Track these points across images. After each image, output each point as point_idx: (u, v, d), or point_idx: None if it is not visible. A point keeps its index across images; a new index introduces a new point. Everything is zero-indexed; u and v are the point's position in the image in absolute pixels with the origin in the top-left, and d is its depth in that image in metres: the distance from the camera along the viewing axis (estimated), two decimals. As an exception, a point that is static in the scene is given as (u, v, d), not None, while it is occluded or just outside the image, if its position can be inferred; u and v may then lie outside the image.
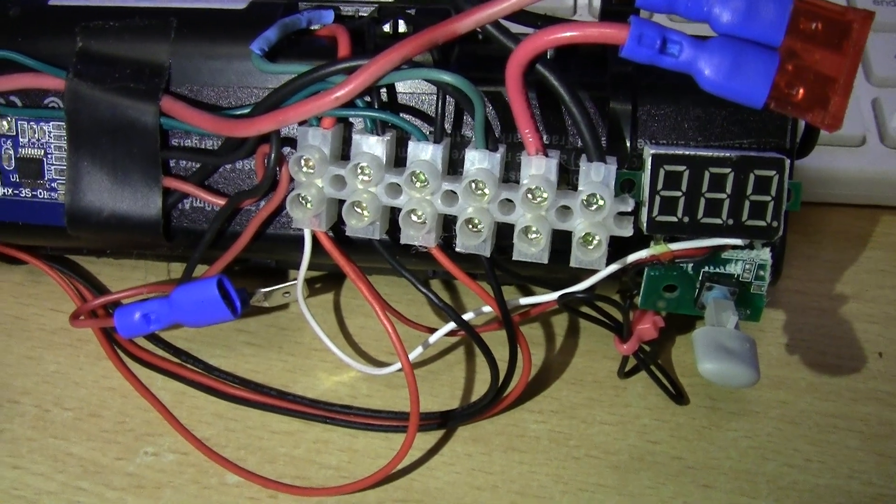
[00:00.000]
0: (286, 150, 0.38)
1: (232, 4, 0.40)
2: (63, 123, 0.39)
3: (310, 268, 0.39)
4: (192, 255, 0.39)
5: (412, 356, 0.39)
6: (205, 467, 0.40)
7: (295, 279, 0.40)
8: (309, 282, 0.45)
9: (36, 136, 0.40)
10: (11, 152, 0.40)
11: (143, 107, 0.38)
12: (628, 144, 0.37)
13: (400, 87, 0.38)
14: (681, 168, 0.35)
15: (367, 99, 0.35)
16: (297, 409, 0.41)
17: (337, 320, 0.44)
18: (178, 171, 0.40)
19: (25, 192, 0.40)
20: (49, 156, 0.40)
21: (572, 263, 0.35)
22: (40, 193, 0.40)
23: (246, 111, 0.37)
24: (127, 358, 0.43)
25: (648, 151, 0.35)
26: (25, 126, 0.40)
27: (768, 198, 0.35)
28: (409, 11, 0.38)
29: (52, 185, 0.40)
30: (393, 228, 0.37)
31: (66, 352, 0.43)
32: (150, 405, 0.41)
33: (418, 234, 0.36)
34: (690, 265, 0.37)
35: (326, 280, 0.46)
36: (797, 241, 0.47)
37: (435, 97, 0.36)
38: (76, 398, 0.42)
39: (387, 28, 0.39)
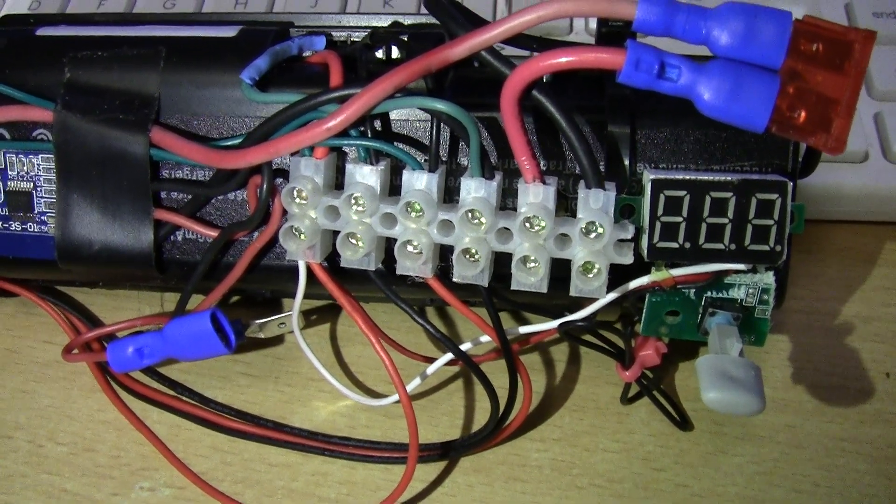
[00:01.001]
0: (279, 180, 0.37)
1: (222, 32, 0.39)
2: (52, 156, 0.38)
3: (305, 298, 0.39)
4: (185, 287, 0.39)
5: (410, 387, 0.38)
6: (201, 502, 0.39)
7: (290, 309, 0.39)
8: (305, 312, 0.45)
9: (25, 168, 0.39)
10: (0, 186, 0.39)
11: (133, 138, 0.37)
12: (627, 169, 0.36)
13: (394, 114, 0.37)
14: (681, 193, 0.34)
15: (361, 128, 0.35)
16: (295, 440, 0.40)
17: (334, 350, 0.44)
18: (170, 202, 0.39)
19: (15, 226, 0.40)
20: (38, 189, 0.39)
21: (572, 293, 0.35)
22: (30, 227, 0.40)
23: (237, 142, 0.37)
24: (121, 391, 0.42)
25: (648, 176, 0.34)
26: (14, 159, 0.39)
27: (771, 221, 0.34)
28: (402, 37, 0.37)
29: (42, 218, 0.39)
30: (389, 258, 0.36)
31: (59, 385, 0.43)
32: (146, 439, 0.41)
33: (414, 265, 0.35)
34: (693, 290, 0.37)
35: (323, 310, 0.45)
36: (801, 260, 0.46)
37: (429, 124, 0.35)
38: (70, 432, 0.41)
39: (379, 54, 0.38)
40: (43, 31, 0.40)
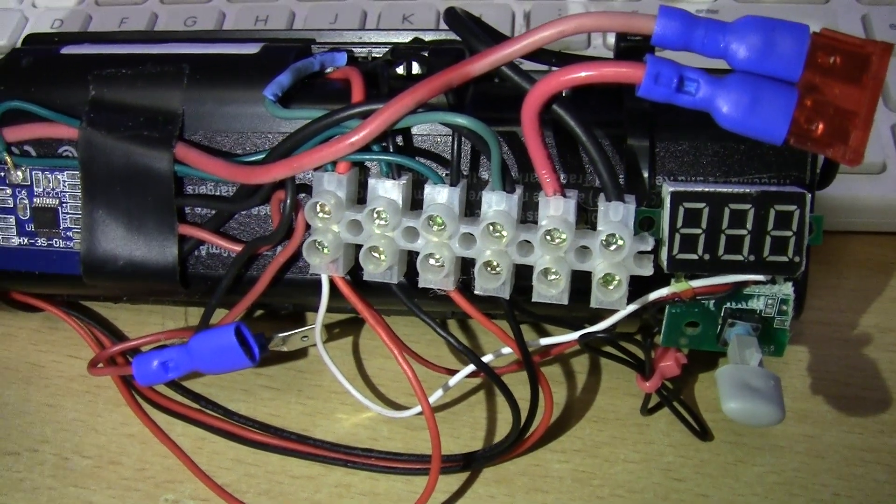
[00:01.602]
0: (302, 195, 0.38)
1: (244, 49, 0.40)
2: (77, 172, 0.39)
3: (328, 311, 0.39)
4: (209, 301, 0.39)
5: (433, 399, 0.38)
6: (226, 514, 0.39)
7: (313, 323, 0.39)
8: (327, 325, 0.45)
9: (50, 185, 0.40)
10: (26, 202, 0.40)
11: (157, 154, 0.37)
12: (647, 182, 0.36)
13: (415, 129, 0.37)
14: (700, 205, 0.34)
15: (383, 143, 0.35)
16: (318, 452, 0.41)
17: (356, 362, 0.44)
18: (194, 217, 0.39)
19: (41, 242, 0.40)
20: (64, 205, 0.40)
21: (593, 304, 0.35)
22: (56, 243, 0.40)
23: (260, 157, 0.37)
24: (146, 404, 0.42)
25: (667, 189, 0.35)
26: (40, 176, 0.40)
27: (790, 233, 0.34)
28: (422, 53, 0.38)
29: (68, 234, 0.40)
30: (411, 271, 0.37)
31: (84, 399, 0.43)
32: (170, 451, 0.41)
33: (436, 278, 0.36)
34: (712, 301, 0.37)
35: (345, 323, 0.45)
36: (819, 271, 0.46)
37: (450, 138, 0.36)
38: (96, 446, 0.42)
39: (400, 70, 0.38)
40: (67, 50, 0.41)
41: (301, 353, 0.44)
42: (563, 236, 0.34)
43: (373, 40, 0.42)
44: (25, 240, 0.40)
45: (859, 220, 0.47)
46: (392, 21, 0.55)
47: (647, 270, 0.35)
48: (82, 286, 0.40)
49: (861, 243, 0.48)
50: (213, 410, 0.42)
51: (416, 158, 0.35)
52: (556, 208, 0.34)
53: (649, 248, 0.35)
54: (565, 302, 0.35)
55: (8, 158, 0.39)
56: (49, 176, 0.40)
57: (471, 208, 0.37)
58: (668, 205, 0.34)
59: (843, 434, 0.40)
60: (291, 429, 0.42)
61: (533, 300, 0.35)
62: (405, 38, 0.41)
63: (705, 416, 0.41)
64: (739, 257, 0.35)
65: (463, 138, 0.35)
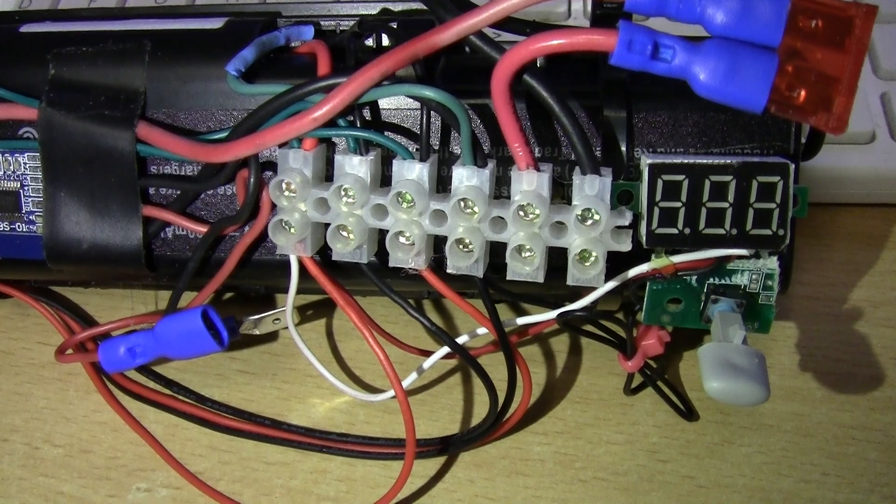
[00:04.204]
0: (267, 173, 0.37)
1: (208, 24, 0.39)
2: (38, 154, 0.37)
3: (300, 293, 0.38)
4: (177, 285, 0.38)
5: (407, 381, 0.37)
6: (199, 502, 0.39)
7: (285, 305, 0.38)
8: (301, 307, 0.44)
9: (11, 168, 0.38)
10: (-13, 185, 0.39)
11: (119, 134, 0.36)
12: (624, 154, 0.35)
13: (383, 103, 0.36)
14: (680, 177, 0.33)
15: (350, 118, 0.34)
16: (293, 438, 0.40)
17: (331, 345, 0.43)
18: (159, 198, 0.38)
19: (3, 226, 0.39)
20: (25, 188, 0.39)
21: (569, 282, 0.34)
22: (18, 227, 0.39)
23: (223, 135, 0.36)
24: (117, 391, 0.42)
25: (645, 161, 0.34)
26: (0, 158, 0.38)
27: (773, 205, 0.33)
28: (391, 25, 0.37)
29: (30, 217, 0.39)
30: (381, 250, 0.36)
31: (55, 386, 0.42)
32: (142, 439, 0.40)
33: (407, 257, 0.34)
34: (694, 277, 0.36)
35: (319, 305, 0.44)
36: (806, 245, 0.45)
37: (419, 112, 0.35)
38: (66, 434, 0.41)
39: (369, 42, 0.37)
40: (27, 28, 0.40)
41: (275, 337, 0.43)
42: (537, 212, 0.33)
43: (341, 13, 0.41)
44: (-13, 224, 0.39)
45: (848, 191, 0.46)
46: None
47: (625, 246, 0.34)
48: (47, 271, 0.39)
49: (850, 215, 0.47)
50: (186, 396, 0.41)
51: (385, 133, 0.34)
52: (529, 182, 0.33)
53: (627, 223, 0.34)
54: (541, 280, 0.34)
55: (-34, 141, 0.38)
56: (9, 158, 0.38)
57: (442, 184, 0.36)
58: (647, 177, 0.33)
59: (833, 412, 0.40)
60: (266, 414, 0.41)
61: (508, 278, 0.34)
62: (374, 9, 0.40)
63: (691, 395, 0.40)
64: (721, 231, 0.34)
65: (432, 112, 0.34)
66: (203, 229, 0.38)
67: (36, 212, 0.39)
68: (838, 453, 0.38)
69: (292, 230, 0.35)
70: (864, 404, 0.40)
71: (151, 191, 0.38)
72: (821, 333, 0.42)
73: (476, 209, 0.33)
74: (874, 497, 0.37)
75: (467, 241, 0.34)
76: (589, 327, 0.38)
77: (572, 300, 0.36)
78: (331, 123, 0.33)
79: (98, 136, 0.36)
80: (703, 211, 0.33)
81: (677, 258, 0.35)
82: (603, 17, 0.36)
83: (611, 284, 0.35)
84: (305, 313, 0.44)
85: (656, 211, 0.34)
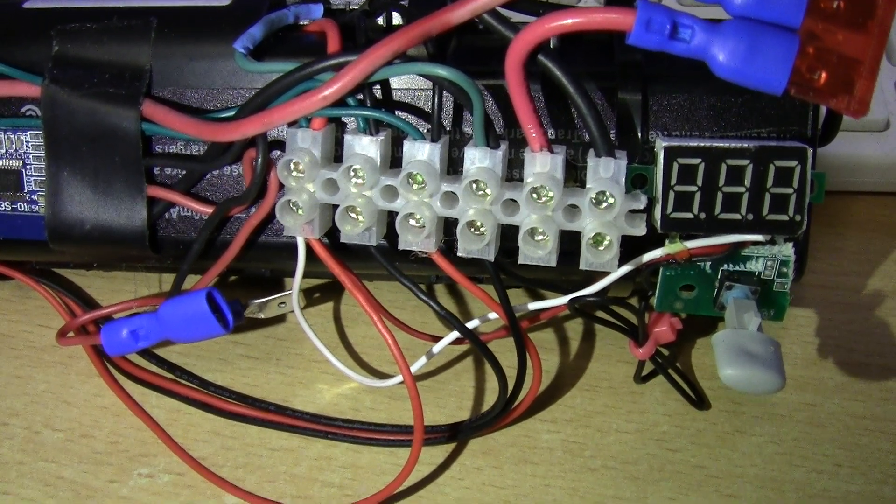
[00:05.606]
0: (275, 153, 0.36)
1: (216, 1, 0.38)
2: (41, 132, 0.37)
3: (306, 276, 0.37)
4: (181, 266, 0.38)
5: (415, 367, 0.37)
6: (202, 488, 0.38)
7: (291, 288, 0.38)
8: (307, 290, 0.44)
9: (13, 146, 0.38)
10: (-12, 164, 0.38)
11: (124, 112, 0.36)
12: (639, 137, 0.35)
13: (395, 83, 0.36)
14: (696, 161, 0.33)
15: (360, 97, 0.33)
16: (298, 424, 0.39)
17: (337, 330, 0.43)
18: (164, 178, 0.38)
19: (5, 206, 0.38)
20: (28, 167, 0.38)
21: (582, 266, 0.33)
22: (20, 206, 0.38)
23: (231, 114, 0.35)
24: (119, 375, 0.41)
25: (661, 144, 0.33)
26: (2, 136, 0.38)
27: (790, 190, 0.33)
28: (402, 2, 0.36)
29: (32, 197, 0.38)
30: (391, 233, 0.35)
31: (56, 370, 0.42)
32: (144, 424, 0.40)
33: (417, 240, 0.34)
34: (709, 263, 0.36)
35: (325, 288, 0.44)
36: (821, 233, 0.45)
37: (431, 92, 0.34)
38: (67, 419, 0.40)
39: (380, 21, 0.37)
40: (30, 4, 0.39)
41: (280, 321, 0.43)
42: (551, 194, 0.32)
43: (351, -10, 0.40)
44: (-12, 204, 0.39)
45: (862, 179, 0.46)
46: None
47: (640, 230, 0.33)
48: (49, 252, 0.38)
49: (864, 204, 0.47)
50: (189, 381, 0.41)
51: (395, 113, 0.34)
52: (542, 164, 0.32)
53: (642, 207, 0.33)
54: (553, 264, 0.33)
55: (-32, 118, 0.38)
56: (11, 136, 0.38)
57: (453, 165, 0.35)
58: (662, 161, 0.33)
59: (846, 402, 0.39)
60: (270, 399, 0.40)
61: (520, 262, 0.34)
62: (385, -13, 0.39)
63: (702, 383, 0.40)
64: (737, 216, 0.33)
65: (444, 92, 0.33)
66: (209, 210, 0.37)
67: (38, 191, 0.38)
68: (851, 444, 0.38)
69: (300, 211, 0.34)
70: (877, 395, 0.39)
71: (156, 170, 0.37)
72: (833, 323, 0.42)
73: (488, 191, 0.33)
74: (887, 488, 0.37)
75: (479, 223, 0.33)
76: (600, 314, 0.38)
77: (583, 286, 0.36)
78: (340, 102, 0.33)
79: (102, 115, 0.36)
80: (719, 195, 0.33)
81: (692, 243, 0.34)
82: (618, -2, 0.35)
83: (624, 269, 0.34)
84: (312, 297, 0.44)
85: (671, 195, 0.33)
